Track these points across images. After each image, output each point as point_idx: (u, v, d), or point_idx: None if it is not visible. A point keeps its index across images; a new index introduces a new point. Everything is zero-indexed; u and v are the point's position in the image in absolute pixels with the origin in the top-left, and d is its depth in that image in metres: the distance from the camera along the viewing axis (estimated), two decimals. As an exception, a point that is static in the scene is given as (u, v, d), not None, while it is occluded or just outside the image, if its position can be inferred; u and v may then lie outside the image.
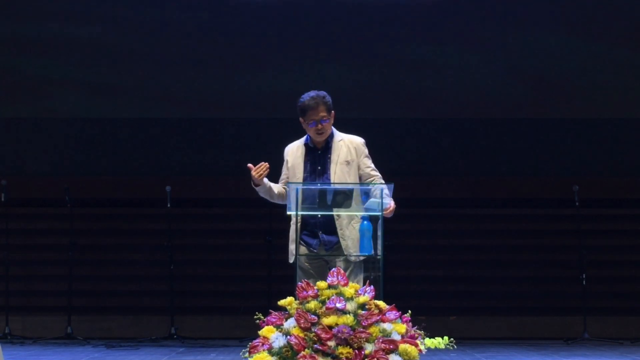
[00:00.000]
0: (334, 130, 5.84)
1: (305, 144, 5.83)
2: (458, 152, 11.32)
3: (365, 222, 5.42)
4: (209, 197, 11.10)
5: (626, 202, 11.04)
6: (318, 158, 5.78)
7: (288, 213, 5.44)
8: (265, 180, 5.70)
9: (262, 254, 10.28)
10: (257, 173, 5.64)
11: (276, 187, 5.78)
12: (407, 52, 11.26)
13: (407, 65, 11.25)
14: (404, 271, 10.61)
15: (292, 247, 5.64)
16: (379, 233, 5.47)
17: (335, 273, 4.96)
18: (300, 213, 5.40)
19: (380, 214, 5.41)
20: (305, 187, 5.53)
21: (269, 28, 11.26)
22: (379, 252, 5.43)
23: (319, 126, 5.72)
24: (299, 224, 5.55)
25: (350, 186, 5.63)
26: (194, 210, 11.08)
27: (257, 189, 5.73)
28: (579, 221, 10.19)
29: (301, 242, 5.67)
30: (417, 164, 11.11)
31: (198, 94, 11.26)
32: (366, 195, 5.53)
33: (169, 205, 10.06)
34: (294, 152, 5.85)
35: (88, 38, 11.22)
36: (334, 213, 5.60)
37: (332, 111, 5.77)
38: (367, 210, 5.48)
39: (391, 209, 5.51)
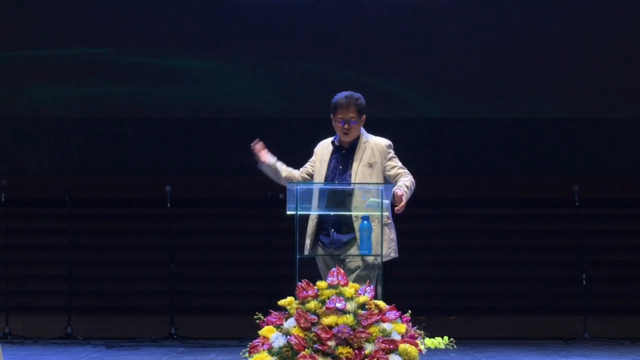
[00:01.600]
0: (363, 132, 5.87)
1: (332, 142, 5.88)
2: (458, 152, 11.32)
3: (365, 222, 5.42)
4: (209, 197, 11.10)
5: (626, 202, 11.04)
6: (342, 158, 5.82)
7: (288, 213, 5.45)
8: (271, 160, 5.79)
9: (262, 254, 10.28)
10: (256, 151, 5.82)
11: (285, 171, 5.84)
12: (407, 51, 11.26)
13: (405, 65, 11.25)
14: (404, 271, 10.60)
15: (307, 241, 5.72)
16: (384, 233, 5.49)
17: (335, 273, 4.96)
18: (300, 213, 5.39)
19: (380, 213, 5.42)
20: (304, 187, 5.54)
21: (270, 28, 11.26)
22: (379, 251, 5.45)
23: (346, 126, 5.75)
24: (315, 221, 5.68)
25: (350, 186, 5.64)
26: (194, 210, 11.09)
27: (263, 166, 5.85)
28: (579, 221, 10.19)
29: (319, 243, 5.74)
30: (417, 164, 11.08)
31: (198, 94, 11.27)
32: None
33: (169, 205, 10.06)
34: (323, 149, 5.91)
35: (88, 38, 11.22)
36: (334, 213, 5.61)
37: (364, 115, 5.81)
38: (370, 209, 5.48)
39: (399, 195, 5.49)
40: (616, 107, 11.24)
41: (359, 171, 5.74)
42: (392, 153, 5.83)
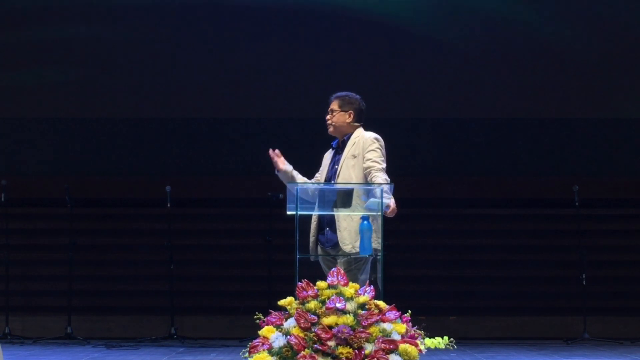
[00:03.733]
0: (361, 130, 5.94)
1: (331, 146, 6.01)
2: (458, 152, 11.32)
3: (365, 222, 5.41)
4: (209, 197, 11.10)
5: (626, 202, 11.05)
6: (337, 158, 5.93)
7: (288, 213, 5.45)
8: (288, 168, 5.83)
9: (262, 254, 10.29)
10: (274, 158, 5.86)
11: (301, 179, 5.88)
12: (407, 52, 11.27)
13: (406, 66, 11.25)
14: (404, 271, 10.60)
15: (310, 241, 5.79)
16: (379, 233, 5.48)
17: (335, 273, 4.96)
18: (300, 213, 5.39)
19: (380, 214, 5.40)
20: (304, 187, 5.54)
21: (270, 29, 11.26)
22: (379, 251, 5.44)
23: (327, 117, 5.95)
24: (315, 222, 5.75)
25: (349, 186, 5.64)
26: (194, 210, 11.08)
27: (281, 174, 5.88)
28: (579, 221, 10.19)
29: (319, 243, 5.80)
30: (417, 164, 11.11)
31: (198, 94, 11.27)
32: (366, 194, 5.53)
33: (169, 205, 10.05)
34: (327, 155, 6.05)
35: (88, 38, 11.22)
36: (333, 212, 5.62)
37: (351, 111, 5.92)
38: (367, 210, 5.47)
39: (392, 208, 5.50)
40: (616, 107, 11.24)
41: (343, 164, 5.83)
42: (373, 145, 5.82)
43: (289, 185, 5.51)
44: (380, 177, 5.64)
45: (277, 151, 5.89)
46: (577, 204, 10.12)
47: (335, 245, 5.69)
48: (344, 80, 10.82)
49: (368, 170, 5.74)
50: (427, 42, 11.26)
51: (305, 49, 11.27)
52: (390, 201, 5.50)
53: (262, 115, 11.21)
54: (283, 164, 5.86)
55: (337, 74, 11.04)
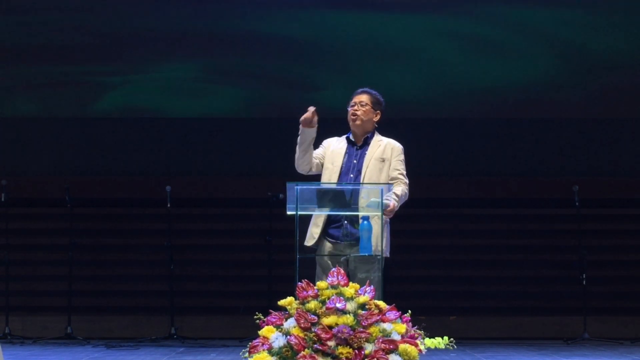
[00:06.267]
0: (377, 132, 5.97)
1: (347, 138, 5.96)
2: (458, 152, 11.32)
3: (365, 222, 5.42)
4: (209, 197, 11.10)
5: (626, 202, 11.04)
6: (355, 153, 5.91)
7: (288, 213, 5.45)
8: (314, 134, 5.78)
9: (262, 254, 10.28)
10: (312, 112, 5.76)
11: (312, 148, 5.84)
12: (408, 52, 11.26)
13: (406, 65, 11.25)
14: (404, 271, 10.60)
15: (314, 230, 5.74)
16: (383, 233, 5.49)
17: (335, 273, 4.96)
18: (300, 213, 5.39)
19: (380, 213, 5.41)
20: (305, 187, 5.53)
21: (270, 28, 11.26)
22: (380, 251, 5.44)
23: (355, 107, 5.88)
24: (323, 215, 5.69)
25: (349, 187, 5.64)
26: (194, 210, 11.08)
27: (307, 130, 5.77)
28: (579, 221, 10.19)
29: (327, 237, 5.75)
30: (417, 164, 11.08)
31: (198, 94, 11.26)
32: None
33: (169, 205, 10.05)
34: (337, 142, 5.98)
35: (87, 37, 11.22)
36: (333, 213, 5.61)
37: (379, 111, 5.92)
38: (368, 209, 5.48)
39: (390, 209, 5.53)
40: (616, 107, 11.23)
41: (370, 164, 5.83)
42: (401, 157, 5.93)
43: (289, 185, 5.49)
44: (402, 189, 5.78)
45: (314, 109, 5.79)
46: (577, 204, 10.12)
47: (355, 241, 5.66)
48: (343, 79, 10.82)
49: (396, 181, 5.81)
50: (426, 41, 11.24)
51: (306, 48, 11.26)
52: (391, 202, 5.53)
53: (262, 115, 11.20)
54: (315, 121, 5.73)
55: (338, 74, 11.03)
